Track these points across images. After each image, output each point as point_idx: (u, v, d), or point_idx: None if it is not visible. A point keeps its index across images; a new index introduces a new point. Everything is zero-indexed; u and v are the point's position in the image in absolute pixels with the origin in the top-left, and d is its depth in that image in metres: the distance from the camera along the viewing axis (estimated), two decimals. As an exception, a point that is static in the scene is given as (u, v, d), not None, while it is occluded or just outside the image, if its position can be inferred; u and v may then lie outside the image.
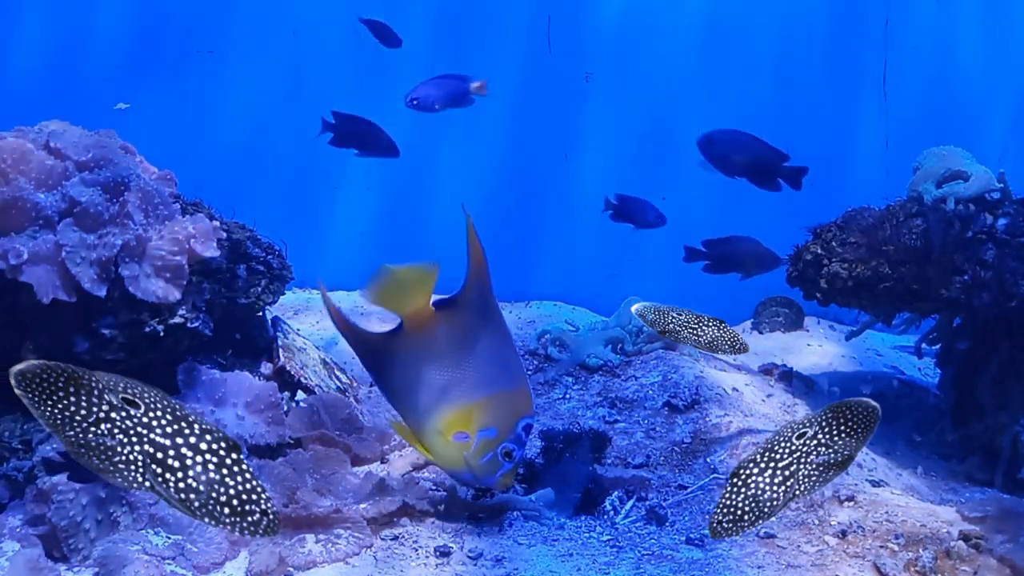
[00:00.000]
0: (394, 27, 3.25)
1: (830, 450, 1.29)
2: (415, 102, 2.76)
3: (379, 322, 3.20)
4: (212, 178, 2.89)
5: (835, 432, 1.29)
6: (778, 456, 1.29)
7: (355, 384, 2.83)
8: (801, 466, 1.29)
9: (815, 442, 1.29)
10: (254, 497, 1.11)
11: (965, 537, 1.84)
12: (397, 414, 1.91)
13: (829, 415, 1.30)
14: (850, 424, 1.30)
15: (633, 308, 2.17)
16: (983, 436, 2.62)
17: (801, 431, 1.30)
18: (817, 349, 3.57)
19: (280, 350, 2.55)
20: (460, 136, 4.23)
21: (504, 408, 1.79)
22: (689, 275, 4.14)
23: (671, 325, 2.15)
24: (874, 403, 1.30)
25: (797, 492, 1.29)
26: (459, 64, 4.18)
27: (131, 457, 1.09)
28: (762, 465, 1.29)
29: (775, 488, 1.28)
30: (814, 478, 1.29)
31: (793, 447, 1.29)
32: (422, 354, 1.82)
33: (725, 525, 1.29)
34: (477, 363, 1.81)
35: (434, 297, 1.85)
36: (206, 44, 4.20)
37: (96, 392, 1.09)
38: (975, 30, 4.23)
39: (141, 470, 1.09)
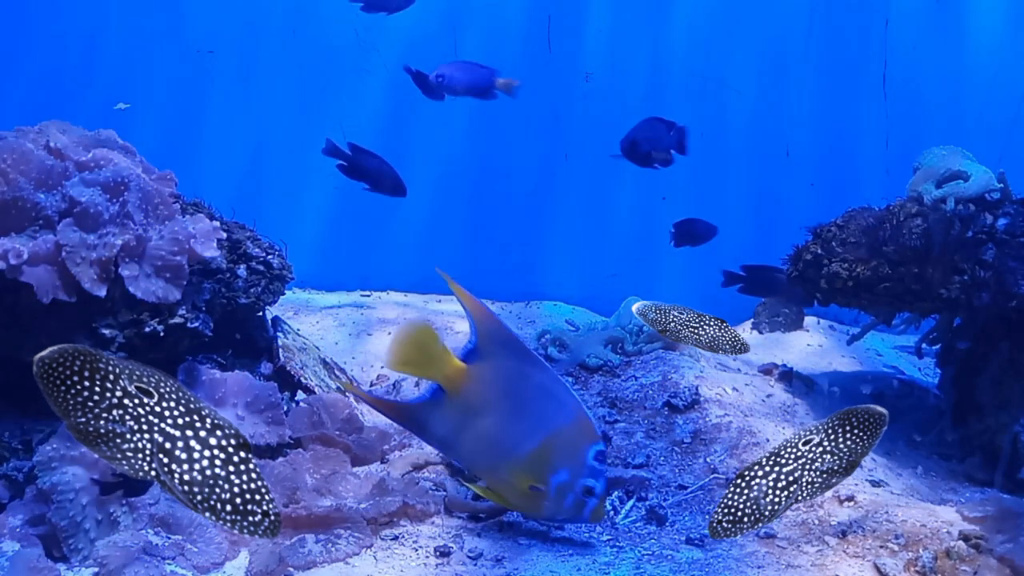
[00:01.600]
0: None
1: (835, 457, 1.31)
2: (440, 79, 2.69)
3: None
4: (212, 178, 2.89)
5: (841, 439, 1.31)
6: (783, 461, 1.31)
7: (355, 384, 2.83)
8: (805, 472, 1.30)
9: (820, 449, 1.31)
10: (257, 497, 1.11)
11: (965, 537, 1.84)
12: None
13: (836, 422, 1.32)
14: (856, 431, 1.31)
15: (634, 307, 2.17)
16: (983, 436, 2.62)
17: (807, 438, 1.32)
18: (817, 349, 3.57)
19: (280, 350, 2.55)
20: (460, 136, 4.23)
21: (567, 445, 1.72)
22: (689, 275, 4.14)
23: (672, 324, 2.15)
24: (881, 410, 1.31)
25: (799, 497, 1.30)
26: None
27: (139, 445, 1.09)
28: (767, 468, 1.31)
29: (777, 492, 1.29)
30: (818, 484, 1.31)
31: (799, 453, 1.31)
32: (468, 412, 1.79)
33: (725, 525, 1.31)
34: (524, 408, 1.76)
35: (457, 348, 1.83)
36: (206, 44, 4.20)
37: (111, 378, 1.09)
38: (975, 30, 4.23)
39: (148, 459, 1.09)
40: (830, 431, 1.32)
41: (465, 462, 1.88)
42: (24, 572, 1.64)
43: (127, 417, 1.09)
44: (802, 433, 1.34)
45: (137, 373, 1.11)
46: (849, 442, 1.31)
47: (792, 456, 1.31)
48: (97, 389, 1.08)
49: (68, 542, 1.76)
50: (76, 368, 1.08)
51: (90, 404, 1.08)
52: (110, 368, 1.09)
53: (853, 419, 1.32)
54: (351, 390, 1.93)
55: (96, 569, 1.71)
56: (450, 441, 1.84)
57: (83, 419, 1.08)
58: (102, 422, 1.08)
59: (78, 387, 1.08)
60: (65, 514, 1.76)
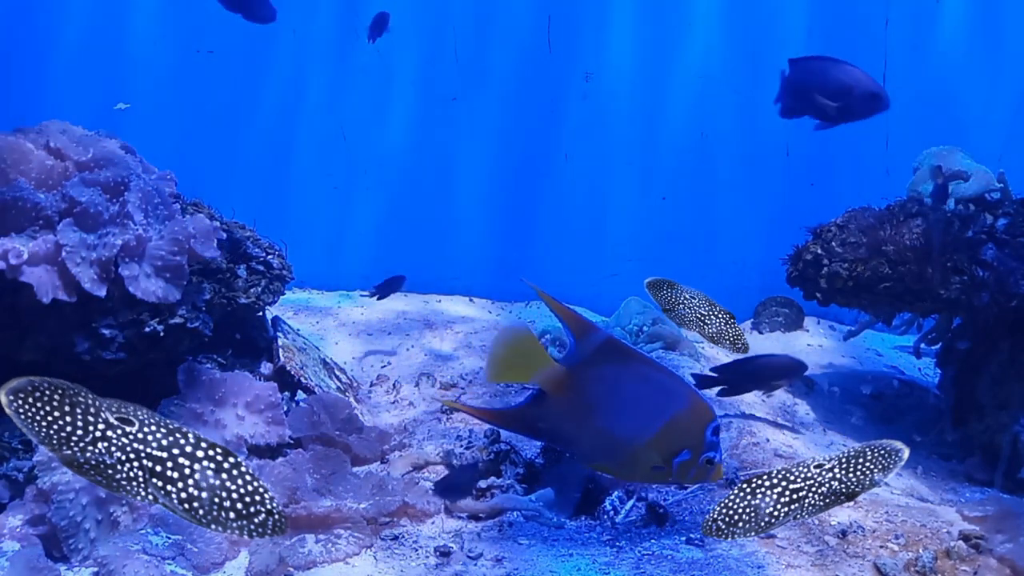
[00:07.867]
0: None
1: (842, 484, 1.33)
2: None
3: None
4: (212, 178, 2.89)
5: (852, 468, 1.33)
6: (792, 478, 1.33)
7: (355, 384, 2.83)
8: (810, 494, 1.33)
9: (830, 475, 1.33)
10: (257, 498, 1.11)
11: (965, 537, 1.84)
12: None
13: (852, 453, 1.35)
14: (869, 462, 1.33)
15: (647, 280, 2.14)
16: (983, 436, 2.62)
17: (821, 462, 1.35)
18: (817, 349, 3.57)
19: (280, 350, 2.55)
20: (460, 136, 4.23)
21: (685, 428, 1.75)
22: (689, 276, 4.14)
23: (681, 306, 2.13)
24: (900, 445, 1.33)
25: (798, 516, 1.33)
26: (459, 64, 4.18)
27: (131, 474, 1.10)
28: (775, 481, 1.32)
29: (779, 507, 1.31)
30: (819, 507, 1.34)
31: (810, 474, 1.33)
32: (578, 412, 1.80)
33: (720, 525, 1.32)
34: (636, 403, 1.78)
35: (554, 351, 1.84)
36: (206, 44, 4.20)
37: (92, 411, 1.09)
38: (975, 30, 4.23)
39: (143, 484, 1.10)
40: (844, 460, 1.34)
41: (581, 456, 1.91)
42: (24, 572, 1.64)
43: (114, 449, 1.09)
44: (819, 458, 1.38)
45: (116, 406, 1.11)
46: (859, 473, 1.33)
47: (802, 475, 1.34)
48: (80, 424, 1.08)
49: (68, 542, 1.76)
50: (55, 403, 1.07)
51: (74, 439, 1.08)
52: (90, 402, 1.09)
53: (869, 452, 1.34)
54: (452, 406, 1.93)
55: (96, 569, 1.71)
56: (561, 437, 1.87)
57: (68, 452, 1.08)
58: (88, 454, 1.08)
59: (60, 423, 1.08)
60: (65, 514, 1.76)
